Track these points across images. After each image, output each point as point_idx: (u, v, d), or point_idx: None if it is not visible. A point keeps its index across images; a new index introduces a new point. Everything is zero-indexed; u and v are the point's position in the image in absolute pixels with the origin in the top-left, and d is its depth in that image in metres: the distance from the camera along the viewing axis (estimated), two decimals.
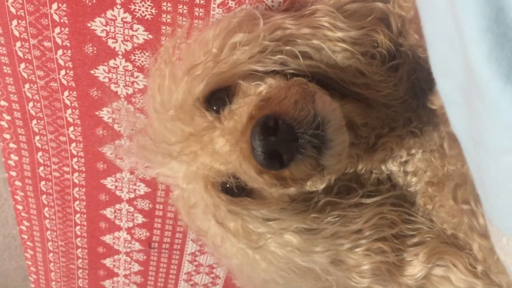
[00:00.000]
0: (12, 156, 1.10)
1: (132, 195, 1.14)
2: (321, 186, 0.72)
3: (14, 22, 0.88)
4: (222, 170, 0.66)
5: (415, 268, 0.74)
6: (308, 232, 0.71)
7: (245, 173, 0.62)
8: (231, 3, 0.82)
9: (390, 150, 0.74)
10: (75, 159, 1.08)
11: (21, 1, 0.86)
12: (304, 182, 0.63)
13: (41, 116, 1.02)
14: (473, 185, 0.62)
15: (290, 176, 0.59)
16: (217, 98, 0.68)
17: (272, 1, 0.81)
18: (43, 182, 1.14)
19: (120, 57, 0.91)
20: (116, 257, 1.28)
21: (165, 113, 0.67)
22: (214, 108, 0.68)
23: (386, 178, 0.78)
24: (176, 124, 0.67)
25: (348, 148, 0.64)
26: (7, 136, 1.07)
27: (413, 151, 0.75)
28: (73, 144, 1.06)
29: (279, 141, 0.56)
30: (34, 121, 1.03)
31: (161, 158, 0.70)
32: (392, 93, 0.71)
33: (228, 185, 0.69)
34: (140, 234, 1.22)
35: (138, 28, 0.87)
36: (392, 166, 0.76)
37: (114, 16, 0.86)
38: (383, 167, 0.76)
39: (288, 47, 0.67)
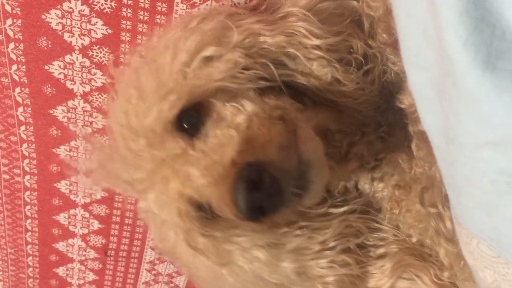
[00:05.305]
0: None
1: (87, 200, 1.10)
2: None
3: None
4: (195, 197, 0.64)
5: (380, 281, 0.74)
6: (275, 246, 0.69)
7: (221, 211, 0.61)
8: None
9: (361, 157, 0.73)
10: (26, 161, 1.04)
11: None
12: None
13: None
14: (440, 188, 0.62)
15: (270, 221, 0.60)
16: (189, 116, 0.64)
17: None
18: None
19: (77, 52, 0.87)
20: (69, 265, 1.24)
21: (135, 139, 0.64)
22: (185, 125, 0.64)
23: (353, 185, 0.77)
24: (147, 151, 0.64)
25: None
26: None
27: (380, 156, 0.74)
28: (25, 145, 1.02)
29: (263, 196, 0.55)
30: None
31: (132, 191, 0.69)
32: (369, 99, 0.70)
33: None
34: (95, 241, 1.18)
35: (97, 22, 0.84)
36: (361, 174, 0.75)
37: (71, 8, 0.82)
38: (353, 175, 0.75)
39: (262, 60, 0.65)
